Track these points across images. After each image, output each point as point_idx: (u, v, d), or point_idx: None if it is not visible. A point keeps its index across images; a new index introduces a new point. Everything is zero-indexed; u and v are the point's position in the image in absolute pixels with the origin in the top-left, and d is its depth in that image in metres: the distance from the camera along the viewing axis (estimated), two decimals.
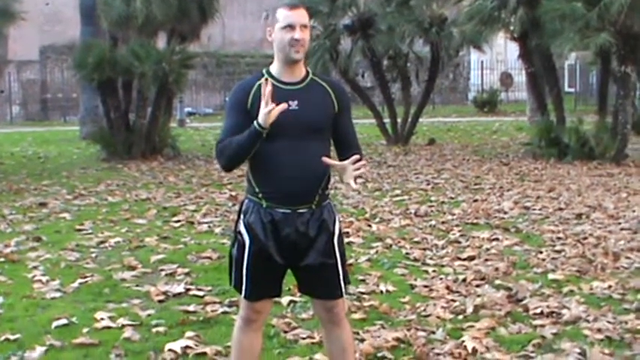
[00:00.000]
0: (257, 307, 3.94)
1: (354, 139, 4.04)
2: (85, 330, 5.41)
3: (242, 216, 3.89)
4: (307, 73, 3.91)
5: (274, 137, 3.73)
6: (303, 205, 3.83)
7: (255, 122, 3.68)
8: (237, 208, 4.04)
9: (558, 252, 7.76)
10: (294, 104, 3.77)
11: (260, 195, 3.83)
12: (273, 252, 3.80)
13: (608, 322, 5.56)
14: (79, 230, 9.01)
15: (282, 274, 3.96)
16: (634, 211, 9.92)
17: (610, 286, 6.47)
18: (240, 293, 3.92)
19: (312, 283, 3.95)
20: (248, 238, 3.83)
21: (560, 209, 10.19)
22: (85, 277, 6.80)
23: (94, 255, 7.73)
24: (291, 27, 3.75)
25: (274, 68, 3.88)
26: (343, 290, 3.94)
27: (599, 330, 5.38)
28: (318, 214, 3.87)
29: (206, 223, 9.38)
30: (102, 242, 8.31)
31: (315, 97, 3.85)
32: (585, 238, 8.35)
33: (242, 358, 4.03)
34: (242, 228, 3.87)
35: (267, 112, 3.63)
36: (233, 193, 11.60)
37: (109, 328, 5.48)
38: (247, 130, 3.71)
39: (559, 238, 8.39)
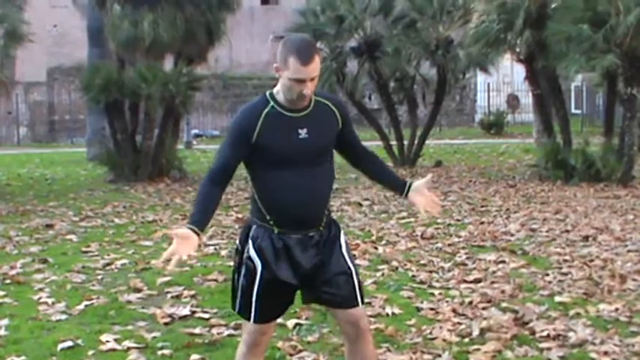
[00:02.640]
0: (264, 328, 3.94)
1: (361, 144, 4.12)
2: (90, 352, 5.40)
3: (251, 242, 3.87)
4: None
5: (283, 166, 3.74)
6: (313, 229, 3.85)
7: (188, 221, 3.70)
8: (239, 233, 4.02)
9: (565, 274, 7.74)
10: (303, 132, 3.77)
11: (271, 222, 3.83)
12: (287, 275, 3.80)
13: (615, 344, 5.54)
14: (85, 252, 9.02)
15: (294, 295, 3.97)
16: None
17: (617, 309, 6.45)
18: (249, 319, 3.89)
19: (331, 296, 3.92)
20: (260, 263, 3.82)
21: (567, 231, 10.16)
22: (91, 299, 6.80)
23: (99, 277, 7.73)
24: (301, 81, 3.68)
25: (280, 96, 3.82)
26: (360, 299, 3.94)
27: (605, 353, 5.36)
28: (326, 232, 3.90)
29: (212, 245, 9.37)
30: (108, 264, 8.31)
31: (321, 120, 3.85)
32: (592, 261, 8.32)
33: None
34: (252, 253, 3.84)
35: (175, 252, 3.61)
36: (239, 215, 11.61)
37: (114, 350, 5.47)
38: (195, 210, 3.74)
39: (565, 261, 8.37)
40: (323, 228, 3.88)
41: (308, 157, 3.78)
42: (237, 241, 3.98)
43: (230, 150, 3.80)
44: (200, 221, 3.69)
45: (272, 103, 3.79)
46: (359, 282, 3.95)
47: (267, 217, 3.83)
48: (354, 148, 4.09)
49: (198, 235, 3.64)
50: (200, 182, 3.87)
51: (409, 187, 4.09)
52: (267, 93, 3.84)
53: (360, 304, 3.94)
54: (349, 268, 3.93)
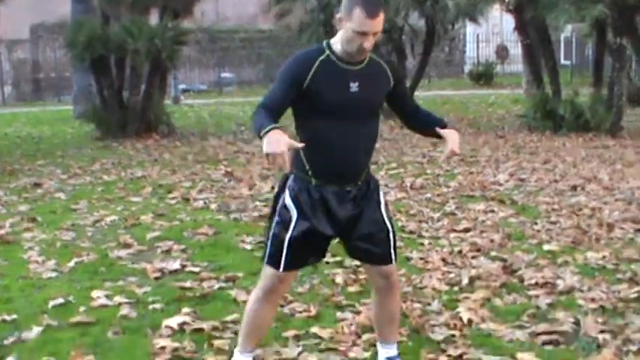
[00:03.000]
0: (286, 276, 3.90)
1: (411, 104, 4.13)
2: (81, 309, 5.40)
3: (288, 191, 3.85)
4: None
5: (329, 117, 3.70)
6: (351, 183, 3.83)
7: (262, 130, 3.43)
8: (277, 183, 3.99)
9: (553, 223, 7.78)
10: (354, 86, 3.72)
11: (310, 172, 3.80)
12: (322, 225, 3.78)
13: (602, 291, 5.58)
14: (75, 210, 8.99)
15: (325, 247, 3.96)
16: (628, 183, 9.94)
17: (604, 257, 6.50)
18: (278, 267, 3.83)
19: (366, 252, 3.94)
20: (295, 212, 3.79)
21: (556, 181, 10.20)
22: (81, 256, 6.79)
23: (89, 234, 7.72)
24: (364, 34, 3.60)
25: (337, 47, 3.75)
26: (394, 256, 3.96)
27: (592, 299, 5.40)
28: (364, 187, 3.89)
29: (202, 199, 9.37)
30: (97, 221, 8.30)
31: (374, 76, 3.80)
32: (580, 210, 8.36)
33: (255, 330, 4.03)
34: (289, 202, 3.82)
35: (273, 153, 3.39)
36: (229, 169, 11.60)
37: (105, 306, 5.47)
38: (263, 122, 3.48)
39: (554, 210, 8.41)
40: (361, 183, 3.86)
41: (356, 111, 3.73)
42: (275, 192, 3.98)
43: (280, 92, 3.71)
44: (272, 122, 3.50)
45: (328, 52, 3.73)
46: (394, 241, 3.96)
47: (307, 168, 3.79)
48: (405, 107, 4.07)
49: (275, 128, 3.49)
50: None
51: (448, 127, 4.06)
52: (325, 42, 3.79)
53: (393, 262, 3.96)
54: (387, 226, 3.93)
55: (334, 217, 3.80)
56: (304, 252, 3.85)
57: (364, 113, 3.79)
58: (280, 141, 3.34)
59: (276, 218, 3.88)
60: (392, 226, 3.97)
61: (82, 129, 18.10)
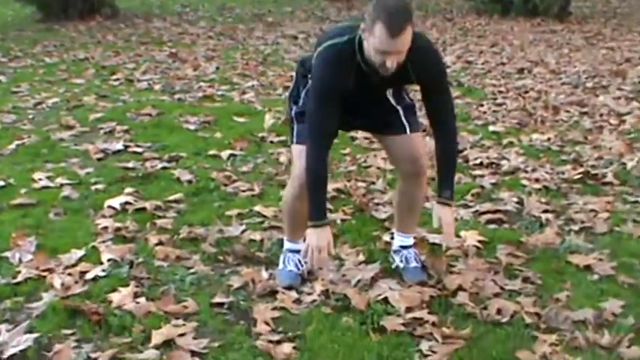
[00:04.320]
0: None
1: (444, 115, 3.57)
2: (23, 191, 5.30)
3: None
4: None
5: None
6: None
7: (315, 221, 3.38)
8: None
9: (499, 105, 7.80)
10: (375, 81, 3.41)
11: None
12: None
13: (546, 172, 5.63)
14: (15, 92, 8.76)
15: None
16: (575, 67, 9.98)
17: (549, 139, 6.54)
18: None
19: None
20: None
21: (503, 64, 10.21)
22: (22, 138, 6.64)
23: (30, 116, 7.54)
24: (385, 53, 3.19)
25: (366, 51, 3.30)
26: (408, 128, 3.72)
27: (536, 180, 5.45)
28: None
29: (145, 80, 9.22)
30: (39, 103, 8.11)
31: (394, 74, 3.34)
32: (526, 92, 8.39)
33: (298, 223, 3.81)
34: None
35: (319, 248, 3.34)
36: (173, 51, 11.41)
37: (47, 187, 5.38)
38: (318, 203, 3.41)
39: (500, 92, 8.43)
40: None
41: (369, 94, 3.54)
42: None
43: (321, 108, 3.39)
44: (321, 213, 3.41)
45: (359, 56, 3.32)
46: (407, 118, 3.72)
47: None
48: (431, 116, 3.57)
49: (326, 224, 3.39)
50: (306, 157, 3.44)
51: (445, 200, 3.62)
52: (357, 39, 3.32)
53: (408, 132, 3.72)
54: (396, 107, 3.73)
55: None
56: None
57: (379, 93, 3.61)
58: (327, 239, 3.33)
59: (300, 102, 3.71)
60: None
61: (22, 11, 17.54)
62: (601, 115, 7.44)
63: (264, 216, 4.72)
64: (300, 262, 3.88)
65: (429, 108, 3.55)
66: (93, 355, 3.18)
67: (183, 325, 3.41)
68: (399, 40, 3.13)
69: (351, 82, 3.38)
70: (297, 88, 3.78)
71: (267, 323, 3.43)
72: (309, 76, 3.55)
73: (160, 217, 4.72)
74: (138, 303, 3.60)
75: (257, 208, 4.84)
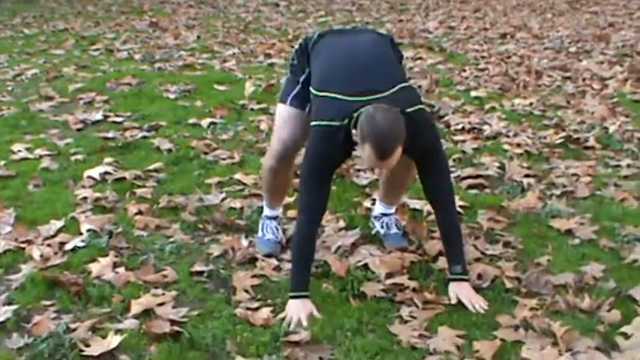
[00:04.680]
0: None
1: (439, 194, 3.44)
2: (1, 163, 5.24)
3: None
4: None
5: None
6: None
7: (294, 292, 3.26)
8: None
9: (482, 70, 7.78)
10: None
11: None
12: None
13: (528, 137, 5.62)
14: None
15: None
16: (558, 32, 9.96)
17: (531, 103, 6.53)
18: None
19: None
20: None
21: (485, 29, 10.17)
22: (1, 110, 6.57)
23: (9, 88, 7.46)
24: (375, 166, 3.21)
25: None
26: None
27: (518, 145, 5.44)
28: None
29: (126, 50, 9.16)
30: (18, 75, 8.04)
31: None
32: (509, 57, 8.37)
33: (276, 193, 3.88)
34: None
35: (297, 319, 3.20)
36: (154, 20, 11.31)
37: (26, 159, 5.33)
38: (299, 276, 3.30)
39: (483, 57, 8.40)
40: None
41: None
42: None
43: (316, 189, 3.32)
44: (303, 285, 3.30)
45: (348, 144, 3.23)
46: None
47: None
48: (429, 190, 3.47)
49: (307, 296, 3.30)
50: (295, 229, 3.41)
51: (456, 277, 3.41)
52: (345, 128, 3.17)
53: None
54: None
55: None
56: None
57: None
58: (309, 309, 3.23)
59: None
60: None
61: None
62: (584, 79, 7.44)
63: (244, 184, 4.70)
64: (277, 229, 3.89)
65: (425, 184, 3.44)
66: (72, 326, 3.15)
67: (163, 294, 3.39)
68: (388, 161, 3.07)
69: (346, 157, 3.38)
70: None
71: (246, 291, 3.42)
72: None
73: (139, 187, 4.69)
74: (117, 273, 3.58)
75: (237, 176, 4.82)
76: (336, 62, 3.39)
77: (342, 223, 4.08)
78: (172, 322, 3.15)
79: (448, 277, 3.41)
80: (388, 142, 3.02)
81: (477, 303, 3.30)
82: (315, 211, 3.36)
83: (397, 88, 3.26)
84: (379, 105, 3.11)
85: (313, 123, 3.29)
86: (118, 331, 3.08)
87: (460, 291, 3.34)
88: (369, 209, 4.20)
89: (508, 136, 5.65)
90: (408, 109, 3.19)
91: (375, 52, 3.47)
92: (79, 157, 5.32)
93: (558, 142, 5.49)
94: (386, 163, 3.10)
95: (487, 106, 6.42)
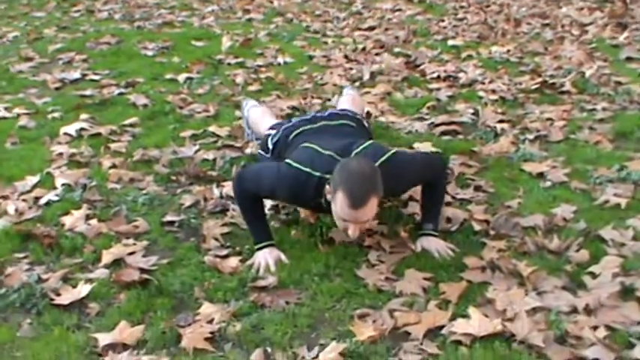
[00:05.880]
0: None
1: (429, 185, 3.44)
2: None
3: None
4: None
5: None
6: None
7: (258, 244, 3.29)
8: None
9: (460, 20, 7.77)
10: None
11: None
12: None
13: (504, 83, 5.64)
14: None
15: None
16: None
17: (509, 51, 6.54)
18: None
19: None
20: None
21: None
22: None
23: None
24: (347, 221, 3.00)
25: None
26: None
27: (493, 91, 5.46)
28: None
29: (106, 10, 9.10)
30: (0, 38, 8.00)
31: None
32: (488, 6, 8.37)
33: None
34: None
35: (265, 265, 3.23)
36: None
37: (4, 118, 5.33)
38: (258, 231, 3.32)
39: (462, 7, 8.39)
40: None
41: None
42: None
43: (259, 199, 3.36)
44: (267, 234, 3.32)
45: (323, 200, 3.16)
46: None
47: None
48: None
49: (273, 245, 3.32)
50: (238, 198, 3.38)
51: (426, 232, 3.40)
52: (315, 182, 3.15)
53: None
54: None
55: None
56: None
57: None
58: (272, 255, 3.25)
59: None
60: None
61: None
62: (563, 26, 7.43)
63: (218, 135, 4.72)
64: None
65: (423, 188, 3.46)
66: (44, 276, 3.20)
67: (134, 244, 3.44)
68: (361, 211, 2.93)
69: (310, 205, 3.39)
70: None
71: (216, 239, 3.46)
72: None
73: (114, 142, 4.71)
74: (89, 225, 3.62)
75: (211, 128, 4.84)
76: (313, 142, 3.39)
77: None
78: (142, 271, 3.19)
79: (419, 232, 3.40)
80: (362, 188, 2.90)
81: (443, 251, 3.31)
82: (254, 196, 3.33)
83: (367, 144, 3.30)
84: (354, 156, 3.15)
85: (283, 166, 3.27)
86: (88, 280, 3.14)
87: (429, 243, 3.34)
88: None
89: (483, 83, 5.66)
90: (382, 159, 3.18)
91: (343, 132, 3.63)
92: (56, 114, 5.33)
93: (534, 87, 5.50)
94: (360, 215, 2.94)
95: (464, 55, 6.43)
